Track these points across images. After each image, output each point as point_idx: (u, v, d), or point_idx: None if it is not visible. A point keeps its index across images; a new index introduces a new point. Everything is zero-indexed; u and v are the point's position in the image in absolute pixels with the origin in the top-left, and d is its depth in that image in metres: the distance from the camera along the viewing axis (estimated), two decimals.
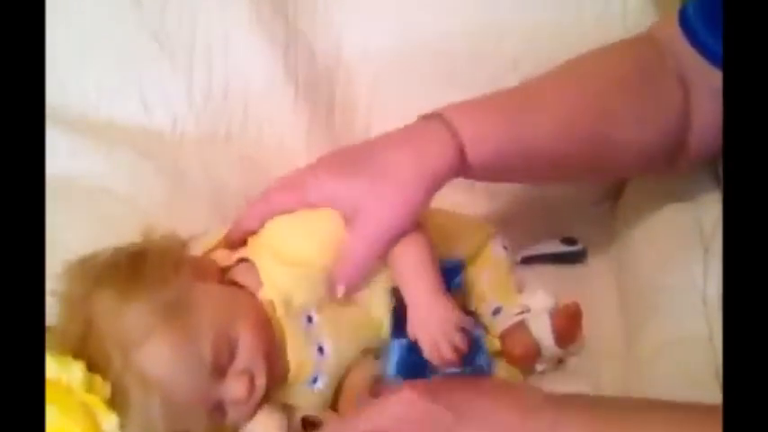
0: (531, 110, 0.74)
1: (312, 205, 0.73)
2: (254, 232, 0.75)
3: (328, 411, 0.74)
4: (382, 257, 0.72)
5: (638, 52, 0.79)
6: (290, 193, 0.74)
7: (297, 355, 0.72)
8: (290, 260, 0.72)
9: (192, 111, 0.92)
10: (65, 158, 0.85)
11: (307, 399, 0.73)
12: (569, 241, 0.90)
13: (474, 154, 0.71)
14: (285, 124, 0.94)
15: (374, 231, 0.71)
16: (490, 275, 0.82)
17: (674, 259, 0.80)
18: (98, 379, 0.65)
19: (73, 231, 0.78)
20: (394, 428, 0.63)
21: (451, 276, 0.78)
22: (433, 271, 0.72)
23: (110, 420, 0.64)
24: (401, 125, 0.94)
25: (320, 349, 0.73)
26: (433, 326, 0.70)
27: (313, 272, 0.72)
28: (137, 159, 0.87)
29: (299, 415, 0.73)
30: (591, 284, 0.88)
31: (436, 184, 0.71)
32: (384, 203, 0.70)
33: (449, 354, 0.69)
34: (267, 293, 0.72)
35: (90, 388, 0.64)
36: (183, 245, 0.74)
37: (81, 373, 0.64)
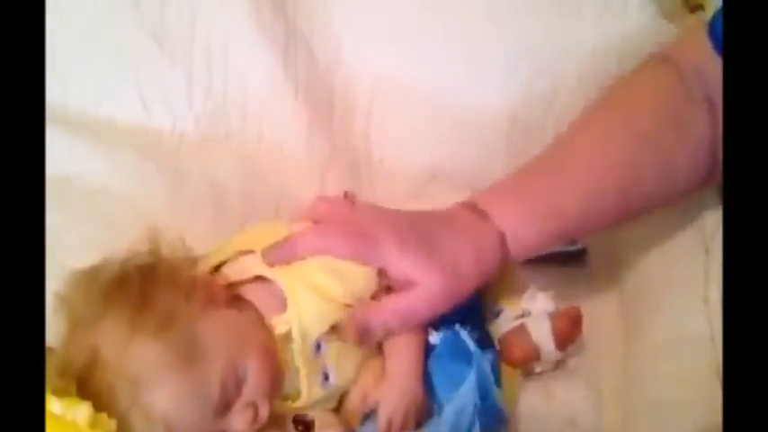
0: (564, 189, 0.76)
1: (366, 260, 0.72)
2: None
3: (319, 410, 0.74)
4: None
5: (657, 90, 0.78)
6: (352, 244, 0.72)
7: (308, 383, 0.72)
8: (317, 291, 0.72)
9: (192, 111, 0.92)
10: (64, 159, 0.85)
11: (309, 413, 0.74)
12: (570, 241, 0.90)
13: (517, 251, 0.75)
14: (285, 124, 0.93)
15: (414, 310, 0.72)
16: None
17: (675, 258, 0.80)
18: (104, 416, 0.64)
19: (72, 232, 0.79)
20: None
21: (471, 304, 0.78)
22: (420, 353, 0.74)
23: None
24: (401, 125, 0.95)
25: (326, 376, 0.73)
26: (401, 404, 0.71)
27: (334, 307, 0.72)
28: (136, 159, 0.87)
29: (290, 415, 0.73)
30: (591, 284, 0.88)
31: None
32: (442, 297, 0.72)
33: None
34: (286, 320, 0.71)
35: (95, 424, 0.63)
36: (194, 262, 0.73)
37: (87, 413, 0.63)
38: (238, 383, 0.68)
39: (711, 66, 0.74)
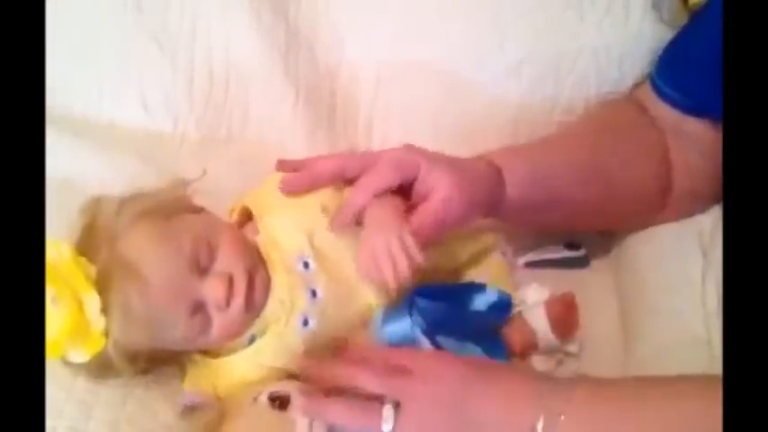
0: (547, 154, 0.84)
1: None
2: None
3: (294, 383, 0.73)
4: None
5: (621, 109, 0.90)
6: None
7: (289, 289, 0.74)
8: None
9: (193, 112, 0.92)
10: (66, 161, 0.85)
11: (297, 336, 0.74)
12: (573, 246, 0.90)
13: (511, 188, 0.78)
14: (286, 125, 0.94)
15: (435, 209, 0.74)
16: (487, 275, 0.83)
17: (673, 263, 0.81)
18: (83, 260, 0.68)
19: (73, 234, 0.79)
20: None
21: (500, 314, 0.80)
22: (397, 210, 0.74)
23: (91, 297, 0.67)
24: (402, 127, 0.95)
25: (313, 293, 0.74)
26: (382, 235, 0.71)
27: (309, 211, 0.75)
28: (137, 161, 0.87)
29: (264, 392, 0.72)
30: (591, 287, 0.88)
31: (484, 209, 0.79)
32: (458, 195, 0.74)
33: (386, 267, 0.70)
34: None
35: (76, 266, 0.67)
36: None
37: (69, 253, 0.67)
38: (211, 250, 0.72)
39: (655, 107, 0.86)
